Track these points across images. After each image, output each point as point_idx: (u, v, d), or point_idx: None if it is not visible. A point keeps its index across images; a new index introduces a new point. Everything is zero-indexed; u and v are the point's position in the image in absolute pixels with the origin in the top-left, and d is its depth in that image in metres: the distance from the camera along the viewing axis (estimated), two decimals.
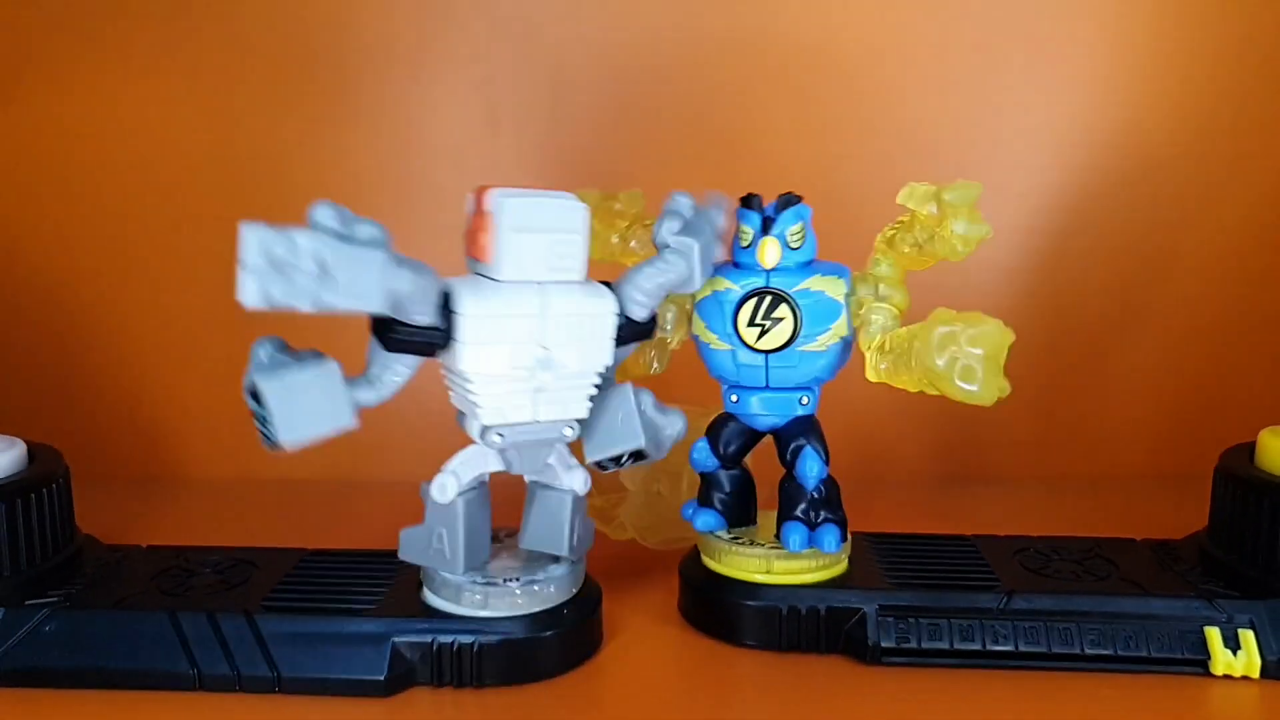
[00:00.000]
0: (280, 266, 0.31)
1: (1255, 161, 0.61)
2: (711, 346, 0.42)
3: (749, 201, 0.41)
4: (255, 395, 0.34)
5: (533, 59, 0.59)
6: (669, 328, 0.43)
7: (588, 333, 0.37)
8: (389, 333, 0.35)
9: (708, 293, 0.41)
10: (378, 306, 0.33)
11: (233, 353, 0.60)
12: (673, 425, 0.40)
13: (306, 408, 0.34)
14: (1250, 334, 0.63)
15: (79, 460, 0.45)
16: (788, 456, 0.42)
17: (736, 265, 0.41)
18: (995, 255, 0.60)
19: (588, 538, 0.41)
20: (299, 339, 0.35)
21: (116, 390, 0.63)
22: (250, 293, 0.31)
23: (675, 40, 0.59)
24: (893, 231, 0.40)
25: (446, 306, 0.35)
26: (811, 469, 0.41)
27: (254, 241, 0.31)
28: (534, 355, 0.37)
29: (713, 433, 0.43)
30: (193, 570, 0.43)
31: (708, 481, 0.44)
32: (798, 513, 0.41)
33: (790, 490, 0.42)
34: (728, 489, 0.44)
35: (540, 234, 0.36)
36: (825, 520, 0.41)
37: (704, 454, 0.43)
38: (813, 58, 0.59)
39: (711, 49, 0.59)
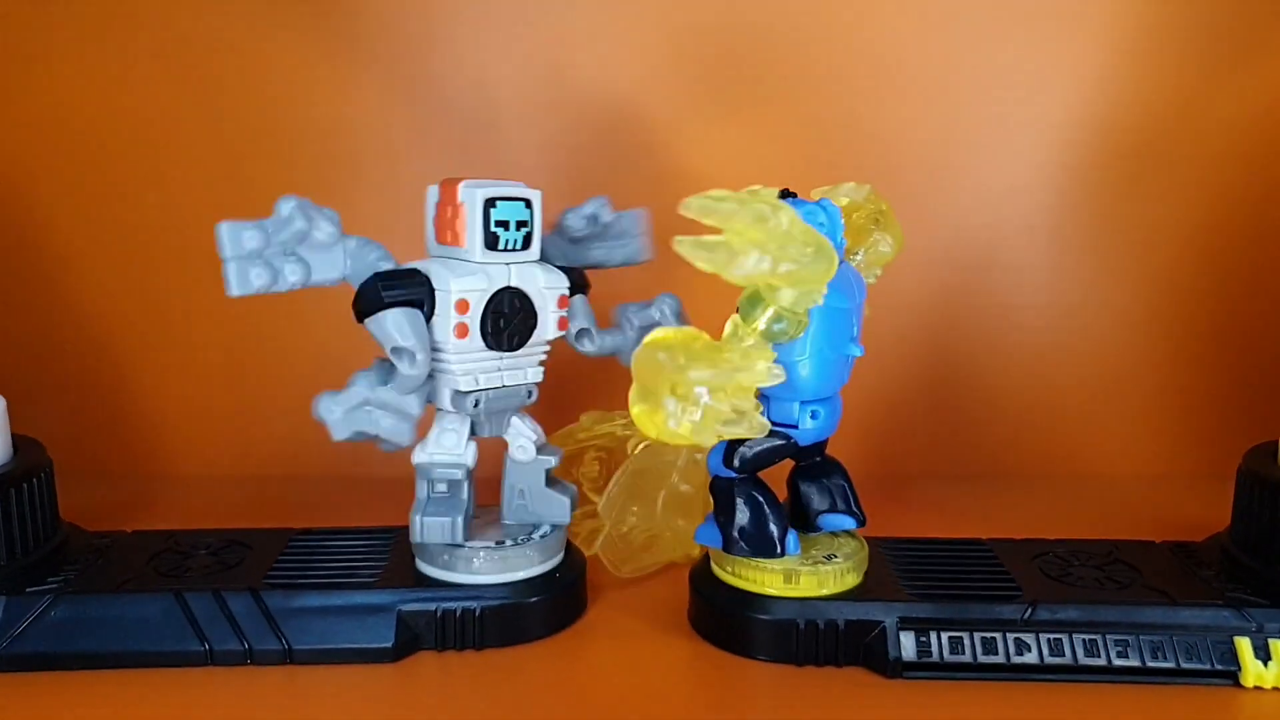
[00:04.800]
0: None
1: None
2: (818, 360, 0.38)
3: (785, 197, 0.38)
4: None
5: (532, 63, 0.60)
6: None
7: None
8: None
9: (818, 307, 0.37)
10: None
11: (215, 347, 0.62)
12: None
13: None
14: (1257, 335, 0.62)
15: (58, 453, 0.45)
16: (816, 458, 0.42)
17: None
18: (1007, 253, 0.60)
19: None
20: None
21: (98, 384, 0.62)
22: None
23: (673, 40, 0.59)
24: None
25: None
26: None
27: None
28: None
29: (759, 457, 0.40)
30: (186, 553, 0.44)
31: (774, 504, 0.40)
32: (847, 507, 0.41)
33: (829, 487, 0.42)
34: (780, 504, 0.41)
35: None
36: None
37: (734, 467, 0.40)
38: (810, 57, 0.59)
39: (708, 47, 0.59)
